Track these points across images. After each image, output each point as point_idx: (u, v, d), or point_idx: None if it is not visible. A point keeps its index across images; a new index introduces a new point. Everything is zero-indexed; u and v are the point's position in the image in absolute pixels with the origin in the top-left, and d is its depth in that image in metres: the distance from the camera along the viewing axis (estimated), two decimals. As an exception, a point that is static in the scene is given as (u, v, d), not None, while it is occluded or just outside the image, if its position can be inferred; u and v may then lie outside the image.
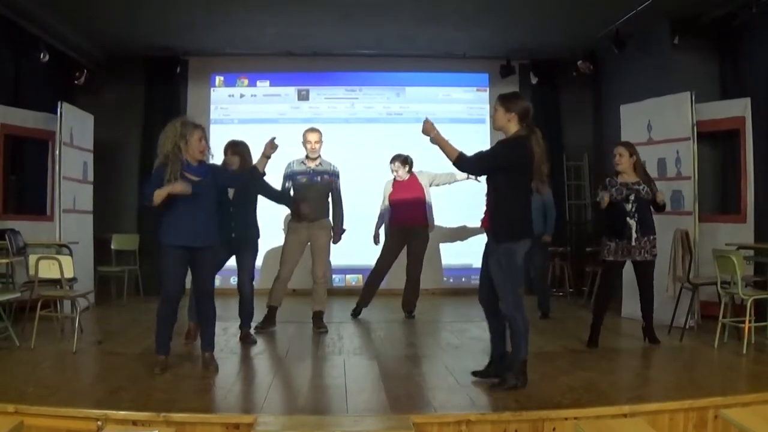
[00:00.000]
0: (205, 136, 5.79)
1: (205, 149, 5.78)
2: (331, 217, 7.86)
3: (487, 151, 5.34)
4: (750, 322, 6.46)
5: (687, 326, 7.23)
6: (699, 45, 8.95)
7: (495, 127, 5.38)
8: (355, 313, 8.71)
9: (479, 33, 10.12)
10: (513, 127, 5.22)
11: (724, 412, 4.08)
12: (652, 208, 6.91)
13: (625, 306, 8.36)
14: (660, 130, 8.31)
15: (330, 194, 7.83)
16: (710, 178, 8.76)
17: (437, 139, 5.25)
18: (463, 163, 5.25)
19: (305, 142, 7.74)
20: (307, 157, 7.76)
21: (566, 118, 11.58)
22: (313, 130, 7.82)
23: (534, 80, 11.26)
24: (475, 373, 5.48)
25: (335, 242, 7.88)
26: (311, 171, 7.71)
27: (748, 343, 6.42)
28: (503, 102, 5.26)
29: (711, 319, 7.27)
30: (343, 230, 7.90)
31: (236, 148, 7.04)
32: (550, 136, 11.35)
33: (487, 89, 11.49)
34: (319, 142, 7.73)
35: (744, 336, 6.44)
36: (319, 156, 7.78)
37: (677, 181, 8.03)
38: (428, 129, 5.27)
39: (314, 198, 7.64)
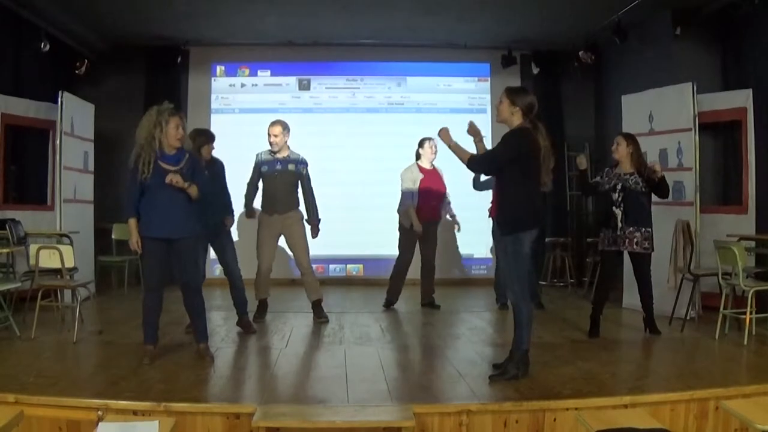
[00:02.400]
0: (182, 124, 5.65)
1: (183, 137, 5.65)
2: (305, 210, 7.76)
3: (494, 148, 5.32)
4: (751, 313, 6.45)
5: (688, 317, 7.23)
6: (701, 36, 8.94)
7: (498, 119, 5.38)
8: (387, 305, 8.69)
9: (480, 23, 10.09)
10: (516, 120, 5.23)
11: (725, 403, 4.09)
12: (655, 196, 6.92)
13: (626, 297, 8.36)
14: (661, 121, 8.29)
15: (299, 185, 7.71)
16: (712, 169, 8.75)
17: (454, 148, 5.29)
18: (474, 163, 5.31)
19: (270, 135, 7.57)
20: (271, 149, 7.64)
21: (567, 109, 11.58)
22: (274, 123, 7.63)
23: (535, 70, 11.25)
24: (495, 366, 5.45)
25: (314, 236, 7.77)
26: (277, 161, 7.60)
27: (749, 335, 6.42)
28: (509, 95, 5.28)
29: (712, 310, 7.29)
30: (319, 220, 7.80)
31: (205, 138, 6.98)
32: (551, 126, 11.29)
33: (489, 79, 11.49)
34: (279, 135, 7.52)
35: (745, 327, 6.44)
36: (287, 148, 7.63)
37: (679, 171, 8.01)
38: (446, 137, 5.32)
39: (282, 189, 7.54)
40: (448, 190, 8.63)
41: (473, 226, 10.40)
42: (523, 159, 5.13)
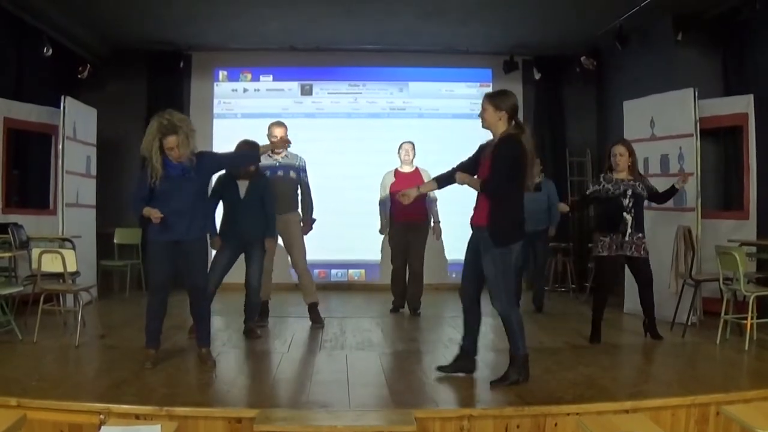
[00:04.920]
0: (180, 141, 5.45)
1: (181, 156, 5.50)
2: (300, 209, 7.83)
3: (498, 164, 5.12)
4: (752, 318, 6.44)
5: (689, 323, 7.24)
6: (702, 41, 8.95)
7: (484, 125, 5.31)
8: (395, 310, 8.73)
9: (482, 28, 10.10)
10: (502, 125, 5.20)
11: (725, 408, 4.08)
12: (650, 202, 6.99)
13: (627, 302, 8.36)
14: (663, 127, 8.30)
15: (299, 187, 7.79)
16: (713, 175, 8.74)
17: (470, 183, 5.24)
18: (488, 186, 5.15)
19: (270, 135, 7.61)
20: (272, 150, 7.67)
21: (569, 114, 11.58)
22: (278, 123, 7.75)
23: (537, 76, 11.27)
24: (440, 368, 5.47)
25: (305, 233, 7.84)
26: (277, 165, 7.66)
27: (750, 340, 6.41)
28: (492, 100, 5.24)
29: (713, 315, 7.28)
30: (314, 220, 7.86)
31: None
32: (553, 131, 11.43)
33: (491, 85, 11.46)
34: (284, 136, 7.58)
35: (746, 332, 6.44)
36: (285, 149, 7.70)
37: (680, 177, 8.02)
38: (464, 179, 5.26)
39: (281, 191, 7.55)
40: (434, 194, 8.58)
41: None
42: (514, 170, 5.11)
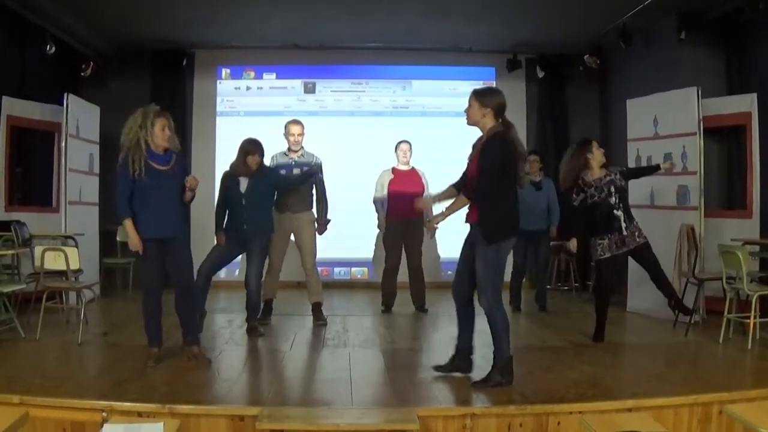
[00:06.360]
0: (169, 124, 5.62)
1: (170, 138, 5.64)
2: (315, 210, 7.85)
3: (487, 165, 5.08)
4: (755, 317, 6.44)
5: (692, 321, 7.23)
6: (705, 40, 8.94)
7: (469, 122, 5.27)
8: (387, 309, 8.68)
9: (486, 27, 10.08)
10: (488, 122, 5.16)
11: (728, 407, 4.09)
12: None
13: (630, 300, 8.35)
14: (666, 125, 8.29)
15: (314, 186, 7.81)
16: (716, 174, 8.75)
17: (448, 210, 5.24)
18: (476, 194, 5.14)
19: (288, 134, 7.72)
20: (289, 149, 7.76)
21: (573, 113, 11.56)
22: (295, 122, 7.81)
23: (540, 74, 11.24)
24: (437, 368, 5.44)
25: (320, 233, 7.87)
26: (293, 163, 7.70)
27: (753, 339, 6.40)
28: (478, 97, 5.20)
29: (716, 314, 7.26)
30: (328, 221, 7.90)
31: (252, 147, 7.04)
32: (556, 130, 11.40)
33: (494, 83, 11.46)
34: (302, 134, 7.73)
35: (749, 331, 6.45)
36: (302, 148, 7.78)
37: (683, 176, 8.01)
38: (426, 205, 5.39)
39: (297, 190, 7.61)
40: (429, 191, 8.50)
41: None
42: (504, 167, 5.07)
